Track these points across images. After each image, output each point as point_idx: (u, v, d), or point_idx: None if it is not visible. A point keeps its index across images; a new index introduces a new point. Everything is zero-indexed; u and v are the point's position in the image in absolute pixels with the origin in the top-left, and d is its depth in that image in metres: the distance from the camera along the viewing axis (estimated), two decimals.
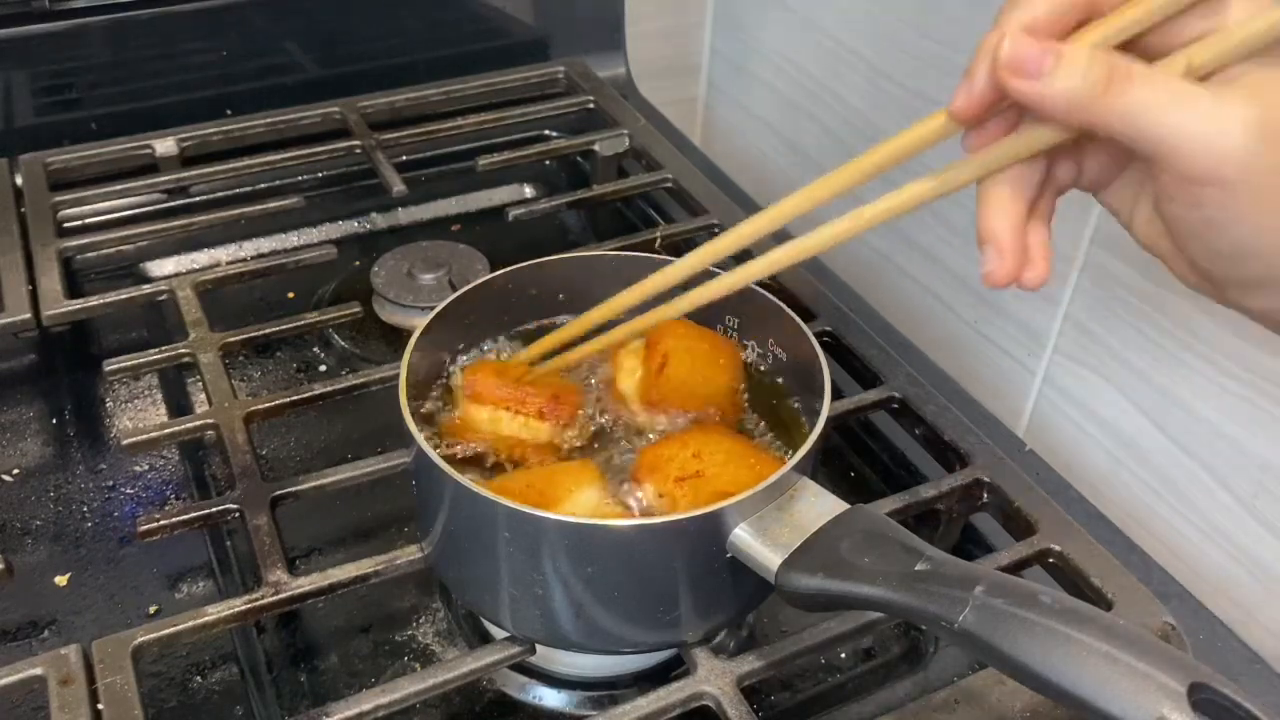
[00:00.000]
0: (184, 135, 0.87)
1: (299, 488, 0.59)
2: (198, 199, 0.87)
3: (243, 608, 0.52)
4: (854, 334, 0.71)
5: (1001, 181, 0.42)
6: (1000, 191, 0.42)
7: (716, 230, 0.81)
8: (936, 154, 0.45)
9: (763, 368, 0.60)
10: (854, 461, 0.72)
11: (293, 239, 0.89)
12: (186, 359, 0.68)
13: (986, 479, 0.61)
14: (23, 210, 0.80)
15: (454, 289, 0.60)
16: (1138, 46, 0.39)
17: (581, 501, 0.51)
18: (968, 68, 0.40)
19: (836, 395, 0.66)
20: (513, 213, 0.81)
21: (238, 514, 0.57)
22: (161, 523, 0.56)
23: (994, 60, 0.38)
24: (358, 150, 0.87)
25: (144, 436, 0.62)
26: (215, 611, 0.52)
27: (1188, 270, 0.41)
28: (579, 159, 0.96)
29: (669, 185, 0.87)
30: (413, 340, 0.55)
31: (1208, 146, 0.35)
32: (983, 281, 0.43)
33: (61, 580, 0.62)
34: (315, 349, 0.79)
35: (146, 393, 0.75)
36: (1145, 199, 0.42)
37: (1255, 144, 0.35)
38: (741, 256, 0.53)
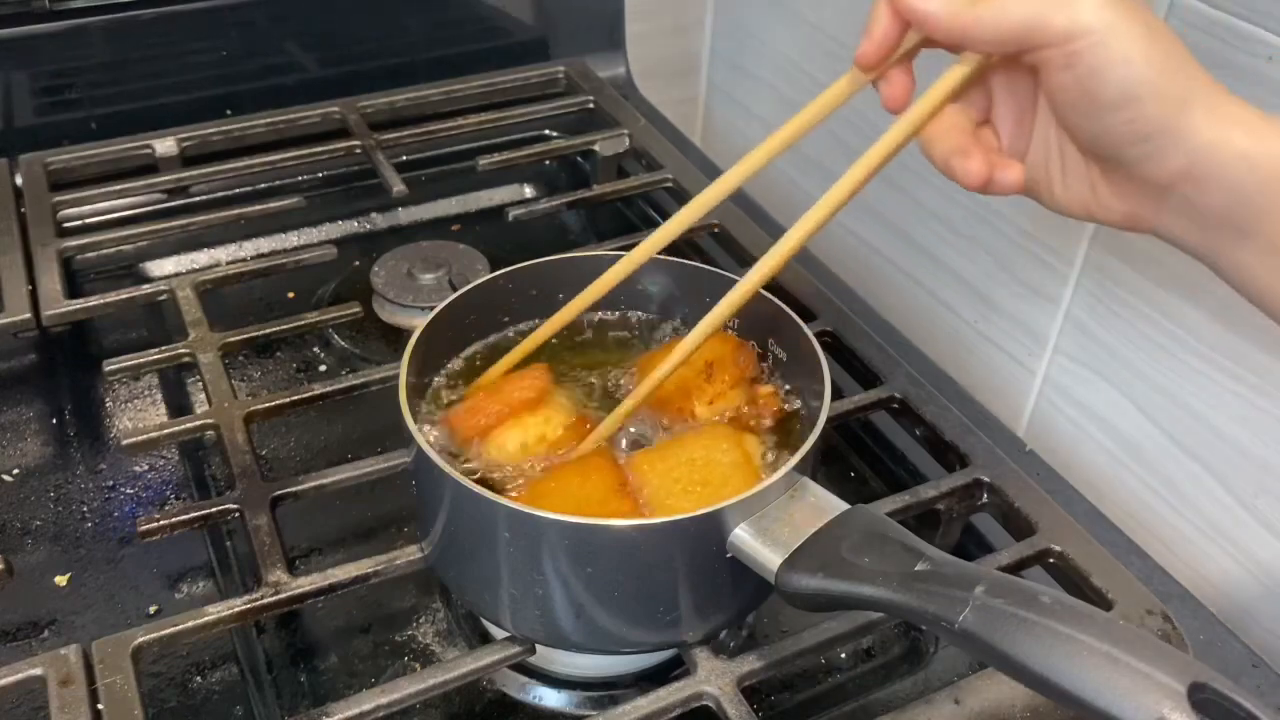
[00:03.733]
0: (184, 135, 0.87)
1: (299, 488, 0.59)
2: (198, 199, 0.87)
3: (243, 608, 0.52)
4: (854, 334, 0.71)
5: (936, 122, 0.47)
6: (937, 126, 0.48)
7: (717, 230, 0.81)
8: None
9: (763, 367, 0.60)
10: (854, 461, 0.72)
11: (293, 239, 0.89)
12: (186, 359, 0.68)
13: (986, 479, 0.61)
14: (23, 210, 0.80)
15: (454, 289, 0.60)
16: None
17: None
18: (868, 23, 0.46)
19: (836, 395, 0.66)
20: (513, 213, 0.81)
21: (238, 514, 0.57)
22: (161, 523, 0.56)
23: None
24: (358, 150, 0.87)
25: (144, 436, 0.62)
26: (215, 611, 0.52)
27: (1109, 195, 0.46)
28: (579, 159, 0.96)
29: (669, 185, 0.87)
30: (413, 340, 0.55)
31: (1062, 6, 0.41)
32: (964, 185, 0.47)
33: (61, 580, 0.62)
34: (315, 349, 0.79)
35: (146, 393, 0.75)
36: (1054, 153, 0.47)
37: None
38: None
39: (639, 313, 0.64)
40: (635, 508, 0.50)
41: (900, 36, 0.46)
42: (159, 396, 0.75)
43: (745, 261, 0.77)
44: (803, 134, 0.53)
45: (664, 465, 0.52)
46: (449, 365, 0.60)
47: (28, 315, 0.70)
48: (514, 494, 0.52)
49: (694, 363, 0.56)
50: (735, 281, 0.53)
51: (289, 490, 0.58)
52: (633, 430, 0.57)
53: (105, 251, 0.81)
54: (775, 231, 0.83)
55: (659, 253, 0.56)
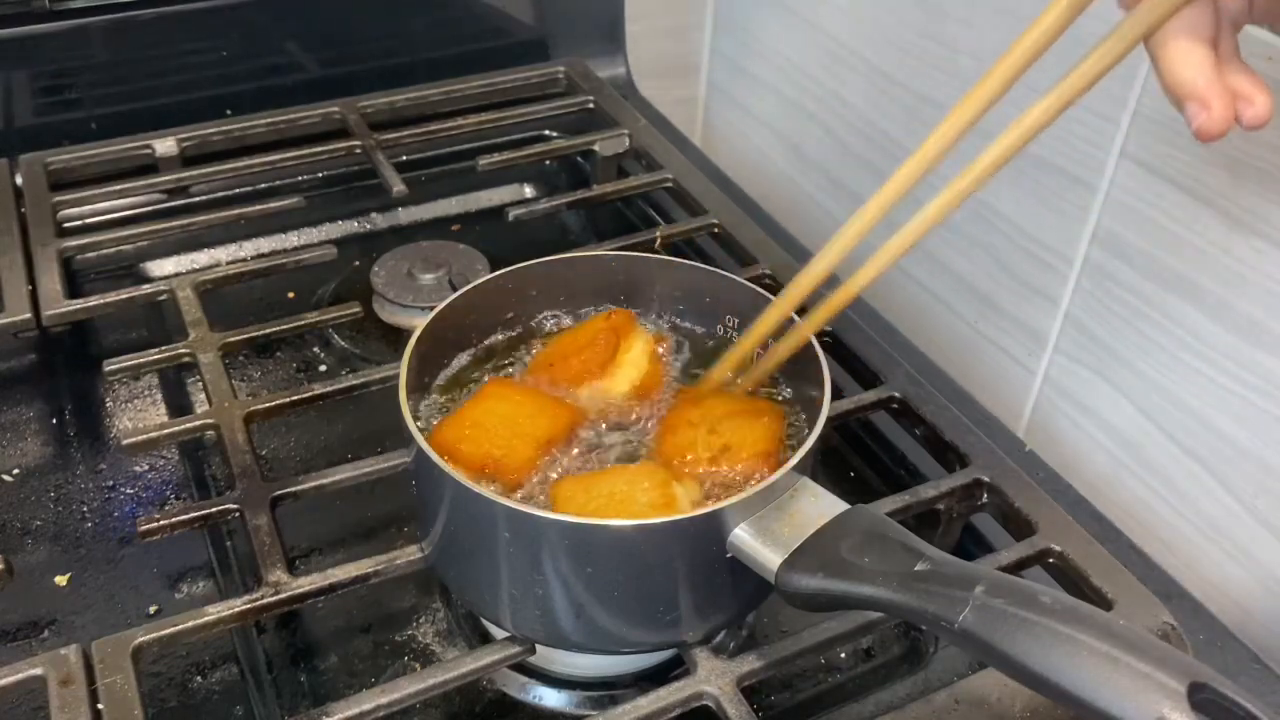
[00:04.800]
0: (184, 135, 0.87)
1: (299, 488, 0.59)
2: (198, 199, 0.87)
3: (243, 608, 0.52)
4: (854, 334, 0.71)
5: (1173, 34, 0.40)
6: (1176, 43, 0.40)
7: (717, 230, 0.81)
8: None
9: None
10: (854, 461, 0.72)
11: (293, 239, 0.89)
12: (186, 359, 0.68)
13: (986, 479, 0.61)
14: (23, 210, 0.80)
15: (454, 289, 0.60)
16: None
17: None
18: None
19: (836, 395, 0.66)
20: (513, 213, 0.81)
21: (238, 514, 0.57)
22: (161, 523, 0.56)
23: None
24: (358, 150, 0.87)
25: (144, 436, 0.62)
26: (215, 611, 0.52)
27: None
28: (579, 159, 0.96)
29: (669, 185, 0.87)
30: (413, 340, 0.55)
31: None
32: (1197, 137, 0.40)
33: (61, 580, 0.62)
34: (315, 349, 0.79)
35: (146, 393, 0.75)
36: None
37: None
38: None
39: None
40: (533, 460, 0.53)
41: None
42: (159, 396, 0.75)
43: (745, 261, 0.77)
44: (1023, 69, 0.45)
45: (584, 497, 0.50)
46: (449, 365, 0.60)
47: (28, 315, 0.70)
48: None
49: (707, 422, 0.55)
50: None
51: (289, 490, 0.58)
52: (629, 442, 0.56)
53: (105, 251, 0.81)
54: (775, 232, 0.84)
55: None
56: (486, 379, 0.59)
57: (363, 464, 0.60)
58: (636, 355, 0.59)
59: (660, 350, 0.60)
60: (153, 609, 0.61)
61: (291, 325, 0.71)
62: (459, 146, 0.92)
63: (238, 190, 0.88)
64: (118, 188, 0.83)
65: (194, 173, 0.85)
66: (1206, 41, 0.40)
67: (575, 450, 0.55)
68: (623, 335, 0.59)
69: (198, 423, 0.63)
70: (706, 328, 0.62)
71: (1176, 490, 0.70)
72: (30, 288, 0.72)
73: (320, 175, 0.91)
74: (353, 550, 0.64)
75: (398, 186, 0.83)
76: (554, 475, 0.53)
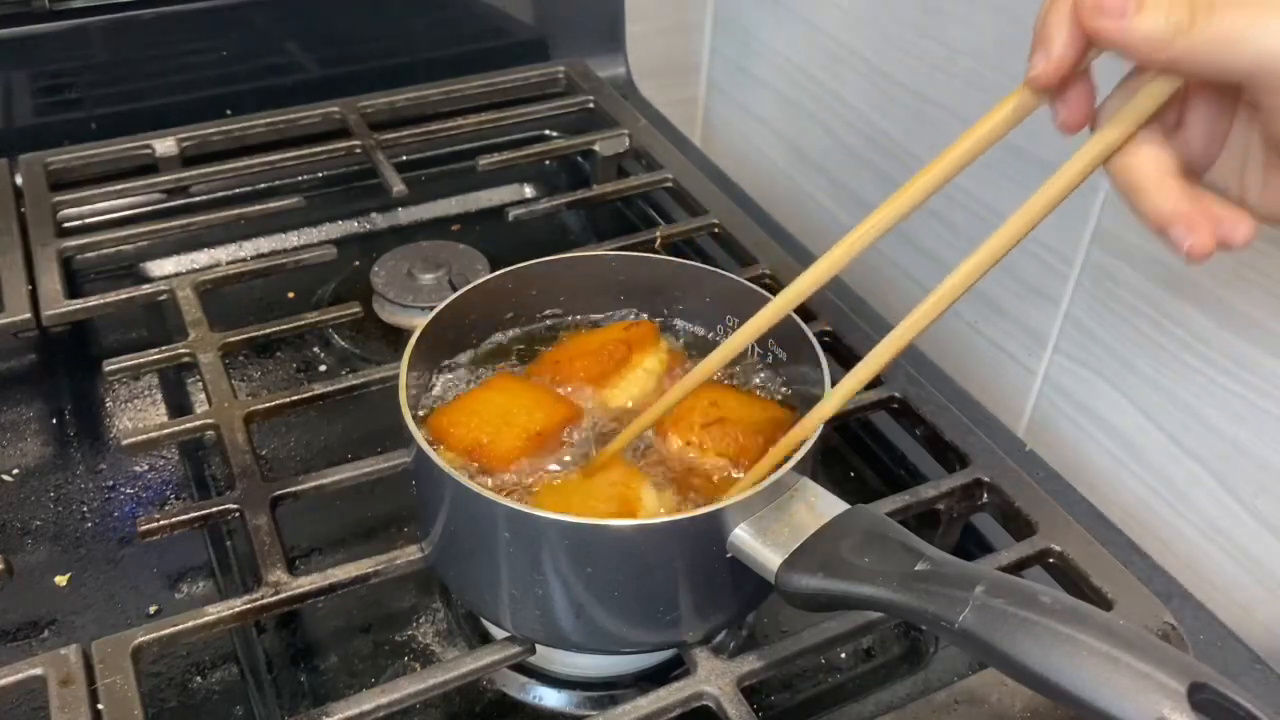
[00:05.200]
0: (184, 135, 0.87)
1: (299, 488, 0.59)
2: (198, 199, 0.87)
3: (243, 608, 0.52)
4: (854, 334, 0.71)
5: (1138, 157, 0.41)
6: (1143, 168, 0.41)
7: (717, 230, 0.81)
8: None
9: (763, 368, 0.60)
10: (854, 461, 0.72)
11: (293, 239, 0.89)
12: (186, 359, 0.68)
13: (986, 479, 0.61)
14: (23, 210, 0.80)
15: (454, 289, 0.60)
16: None
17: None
18: (1037, 35, 0.40)
19: None
20: (513, 213, 0.81)
21: (238, 514, 0.57)
22: (161, 523, 0.56)
23: (1075, 6, 0.38)
24: (358, 150, 0.87)
25: (144, 436, 0.62)
26: (215, 611, 0.52)
27: None
28: (579, 159, 0.96)
29: (669, 185, 0.87)
30: (413, 340, 0.55)
31: None
32: (1188, 261, 0.41)
33: (61, 580, 0.62)
34: (315, 349, 0.79)
35: (146, 393, 0.75)
36: (1252, 164, 0.42)
37: None
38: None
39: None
40: (518, 451, 0.53)
41: (1084, 52, 0.40)
42: (159, 396, 0.75)
43: (745, 261, 0.77)
44: (961, 167, 0.47)
45: (558, 497, 0.52)
46: (449, 365, 0.60)
47: (28, 315, 0.70)
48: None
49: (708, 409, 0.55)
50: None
51: (289, 490, 0.58)
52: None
53: (105, 251, 0.81)
54: (775, 232, 0.84)
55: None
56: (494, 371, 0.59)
57: (363, 464, 0.60)
58: (642, 373, 0.58)
59: (677, 371, 0.59)
60: (153, 609, 0.61)
61: (291, 325, 0.71)
62: (459, 146, 0.92)
63: (238, 190, 0.88)
64: (118, 188, 0.83)
65: (194, 173, 0.85)
66: (1175, 169, 0.41)
67: (565, 448, 0.55)
68: (636, 349, 0.59)
69: (198, 423, 0.63)
70: (706, 328, 0.62)
71: (1176, 490, 0.70)
72: (30, 288, 0.72)
73: (320, 175, 0.91)
74: (353, 550, 0.64)
75: (398, 186, 0.83)
76: (553, 467, 0.54)
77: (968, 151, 0.46)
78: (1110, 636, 0.39)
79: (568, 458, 0.55)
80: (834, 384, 0.52)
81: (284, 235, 0.89)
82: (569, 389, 0.58)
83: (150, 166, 0.87)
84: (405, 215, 0.93)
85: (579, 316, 0.63)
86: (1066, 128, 0.43)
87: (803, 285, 0.49)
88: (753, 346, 0.61)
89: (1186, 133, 0.42)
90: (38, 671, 0.49)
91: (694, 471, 0.54)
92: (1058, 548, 0.57)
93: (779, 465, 0.49)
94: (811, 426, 0.50)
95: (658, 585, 0.49)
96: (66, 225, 0.81)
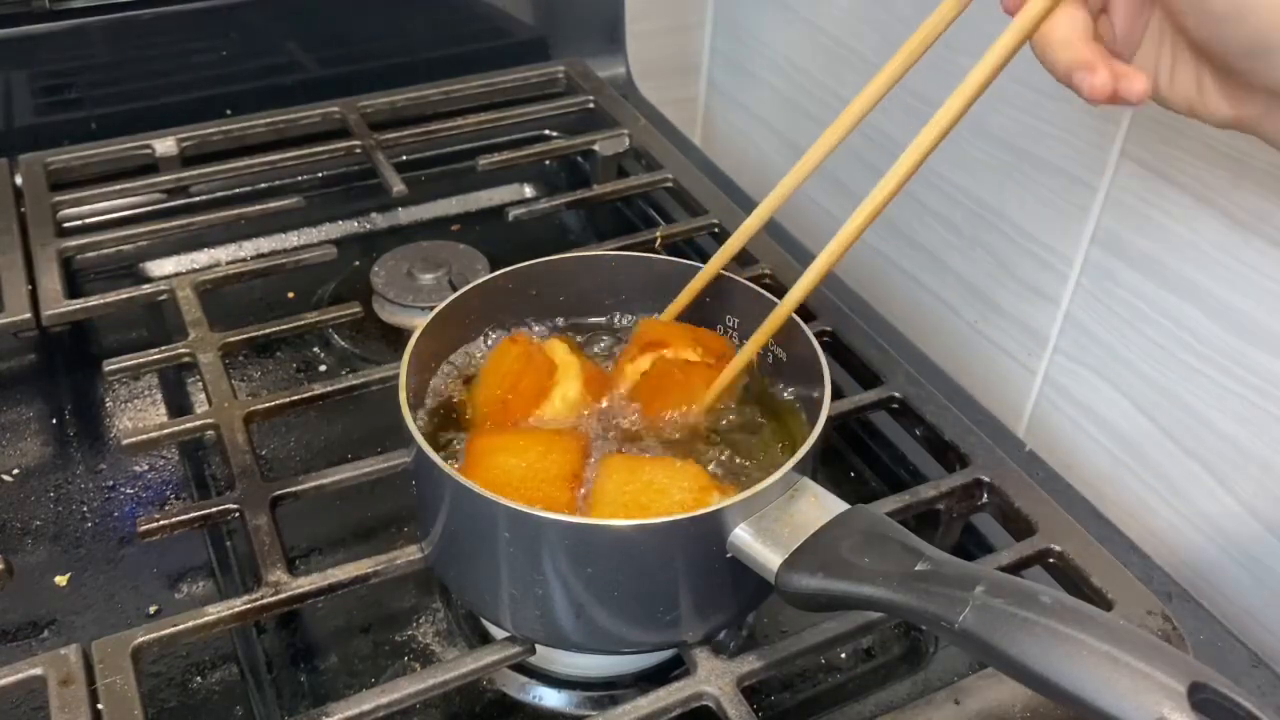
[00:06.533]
0: (184, 135, 0.87)
1: (299, 488, 0.59)
2: (198, 199, 0.87)
3: (243, 608, 0.52)
4: (854, 334, 0.71)
5: (1051, 23, 0.45)
6: (1055, 31, 0.45)
7: (717, 230, 0.81)
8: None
9: (763, 368, 0.60)
10: (854, 461, 0.72)
11: (293, 239, 0.89)
12: (186, 359, 0.68)
13: (986, 479, 0.61)
14: (23, 210, 0.80)
15: (454, 289, 0.60)
16: None
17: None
18: None
19: (836, 395, 0.66)
20: (513, 213, 0.81)
21: (238, 514, 0.57)
22: (161, 523, 0.56)
23: None
24: (358, 150, 0.87)
25: (144, 436, 0.62)
26: (215, 611, 0.52)
27: (1217, 97, 0.45)
28: (579, 159, 0.96)
29: (669, 185, 0.87)
30: (413, 340, 0.55)
31: None
32: (1089, 99, 0.45)
33: (61, 580, 0.62)
34: (315, 349, 0.79)
35: (146, 393, 0.75)
36: (1165, 49, 0.46)
37: None
38: None
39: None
40: (573, 503, 0.50)
41: None
42: (159, 396, 0.75)
43: (745, 261, 0.77)
44: (908, 68, 0.53)
45: (624, 475, 0.51)
46: (449, 365, 0.60)
47: (28, 315, 0.70)
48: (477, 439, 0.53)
49: None
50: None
51: (289, 490, 0.58)
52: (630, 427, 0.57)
53: (105, 251, 0.81)
54: (775, 231, 0.84)
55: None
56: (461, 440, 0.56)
57: (363, 464, 0.60)
58: (564, 360, 0.58)
59: (572, 345, 0.60)
60: (153, 609, 0.61)
61: (291, 325, 0.71)
62: (459, 146, 0.92)
63: (238, 190, 0.88)
64: (118, 188, 0.83)
65: (194, 173, 0.85)
66: (1084, 33, 0.45)
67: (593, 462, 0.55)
68: (537, 353, 0.58)
69: (198, 423, 0.63)
70: (707, 328, 0.62)
71: (1176, 490, 0.70)
72: (30, 288, 0.72)
73: (320, 175, 0.91)
74: (353, 550, 0.64)
75: (398, 186, 0.83)
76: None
77: (908, 57, 0.52)
78: (1110, 636, 0.39)
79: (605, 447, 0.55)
80: (833, 386, 0.53)
81: (284, 235, 0.89)
82: (528, 417, 0.56)
83: (150, 166, 0.87)
84: (405, 215, 0.93)
85: (579, 317, 0.63)
86: (1007, 5, 0.47)
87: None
88: None
89: (1112, 15, 0.47)
90: (38, 671, 0.49)
91: (665, 428, 0.56)
92: (1058, 548, 0.57)
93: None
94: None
95: (658, 585, 0.49)
96: (66, 225, 0.81)
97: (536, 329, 0.62)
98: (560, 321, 0.63)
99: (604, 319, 0.64)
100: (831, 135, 0.55)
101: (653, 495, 0.50)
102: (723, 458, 0.55)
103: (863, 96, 0.54)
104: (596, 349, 0.62)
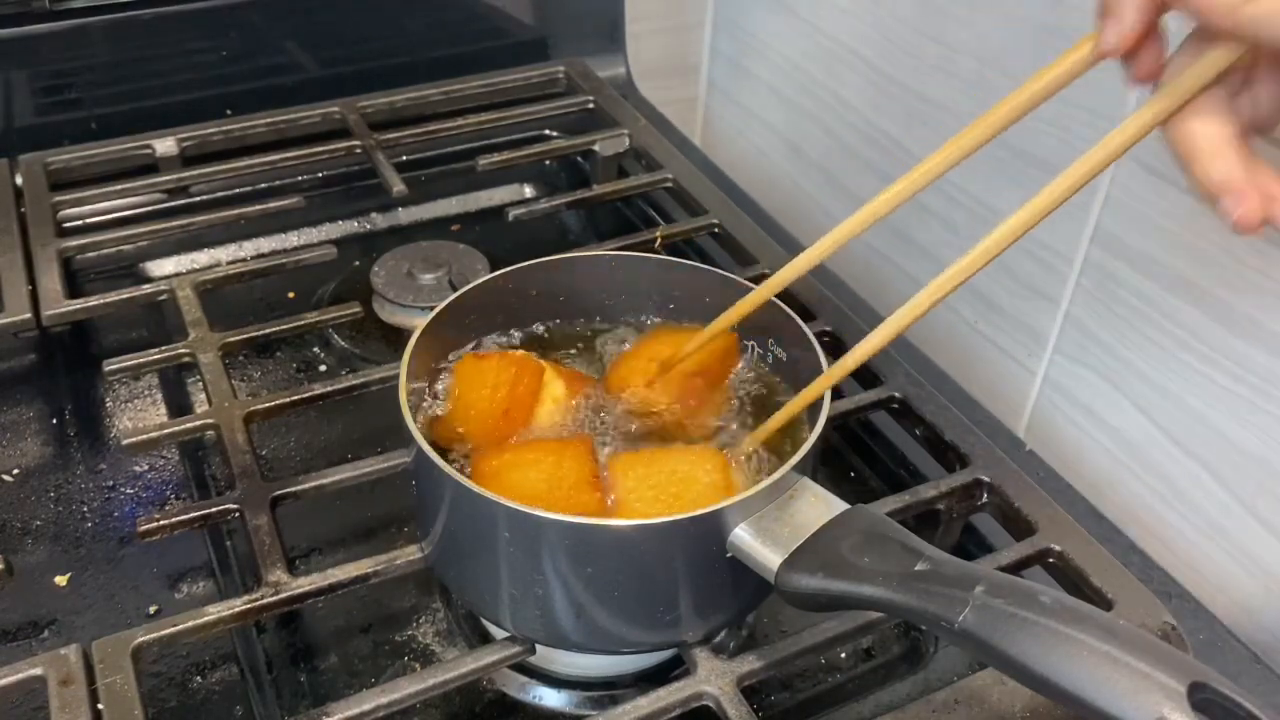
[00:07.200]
0: (184, 135, 0.87)
1: (299, 488, 0.59)
2: (198, 199, 0.87)
3: (243, 608, 0.52)
4: (854, 334, 0.71)
5: (1196, 123, 0.41)
6: (1201, 134, 0.41)
7: (717, 230, 0.81)
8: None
9: (763, 367, 0.60)
10: (854, 461, 0.72)
11: (293, 239, 0.89)
12: (186, 359, 0.68)
13: (986, 479, 0.61)
14: (23, 210, 0.80)
15: (454, 289, 0.60)
16: None
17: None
18: (1105, 4, 0.40)
19: (836, 395, 0.66)
20: (513, 213, 0.81)
21: (238, 514, 0.57)
22: (161, 523, 0.56)
23: None
24: (358, 150, 0.87)
25: (144, 436, 0.62)
26: (215, 611, 0.52)
27: None
28: (579, 159, 0.96)
29: (669, 185, 0.87)
30: (413, 340, 0.55)
31: None
32: (1236, 229, 0.41)
33: (61, 580, 0.62)
34: (315, 349, 0.79)
35: (146, 393, 0.75)
36: None
37: None
38: None
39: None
40: (601, 503, 0.50)
41: (1155, 17, 0.40)
42: (159, 396, 0.75)
43: (745, 261, 0.77)
44: (1011, 122, 0.47)
45: (644, 470, 0.51)
46: (449, 365, 0.60)
47: (28, 315, 0.70)
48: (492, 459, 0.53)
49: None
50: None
51: (289, 490, 0.58)
52: (632, 429, 0.57)
53: (105, 251, 0.81)
54: (775, 232, 0.84)
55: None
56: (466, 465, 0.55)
57: (363, 464, 0.60)
58: (550, 403, 0.57)
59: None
60: (153, 609, 0.61)
61: (291, 325, 0.71)
62: (459, 146, 0.92)
63: (238, 190, 0.88)
64: (118, 188, 0.83)
65: (194, 173, 0.85)
66: (1232, 137, 0.41)
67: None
68: (521, 359, 0.57)
69: (198, 423, 0.63)
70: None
71: (1176, 490, 0.70)
72: (30, 288, 0.72)
73: (320, 175, 0.91)
74: (353, 550, 0.64)
75: (398, 186, 0.83)
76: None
77: (1020, 106, 0.46)
78: (1110, 636, 0.39)
79: (607, 449, 0.55)
80: (833, 388, 0.52)
81: (284, 235, 0.89)
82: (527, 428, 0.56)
83: (150, 166, 0.87)
84: (405, 215, 0.93)
85: (577, 317, 0.63)
86: (1139, 80, 0.43)
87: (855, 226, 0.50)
88: (752, 346, 0.61)
89: (1254, 92, 0.42)
90: (38, 671, 0.49)
91: (656, 419, 0.56)
92: (1058, 548, 0.57)
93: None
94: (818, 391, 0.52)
95: (658, 585, 0.49)
96: (66, 225, 0.81)
97: (498, 340, 0.62)
98: (560, 322, 0.63)
99: (603, 319, 0.64)
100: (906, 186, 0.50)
101: (680, 484, 0.50)
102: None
103: (952, 147, 0.49)
104: (597, 347, 0.62)
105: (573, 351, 0.62)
